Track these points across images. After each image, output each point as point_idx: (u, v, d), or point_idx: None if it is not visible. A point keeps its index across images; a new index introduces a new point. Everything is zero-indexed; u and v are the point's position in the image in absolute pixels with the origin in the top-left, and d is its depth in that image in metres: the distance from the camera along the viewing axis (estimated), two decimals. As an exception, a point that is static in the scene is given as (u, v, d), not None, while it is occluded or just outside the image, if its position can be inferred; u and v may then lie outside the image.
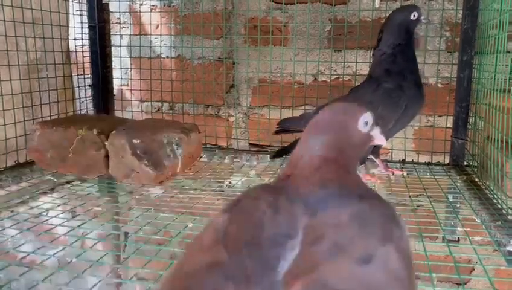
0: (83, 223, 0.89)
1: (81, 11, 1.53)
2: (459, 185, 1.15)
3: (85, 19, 1.55)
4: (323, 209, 0.42)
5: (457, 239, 0.98)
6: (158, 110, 1.69)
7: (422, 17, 1.12)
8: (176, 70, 1.63)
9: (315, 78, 1.52)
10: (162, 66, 1.63)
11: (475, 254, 0.76)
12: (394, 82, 1.09)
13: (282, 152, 1.24)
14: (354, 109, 0.54)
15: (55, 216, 0.94)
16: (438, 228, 0.89)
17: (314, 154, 0.49)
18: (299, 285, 0.35)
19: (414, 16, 1.11)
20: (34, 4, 1.29)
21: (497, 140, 0.97)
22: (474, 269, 1.37)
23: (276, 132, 1.24)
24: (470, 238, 0.82)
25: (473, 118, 1.26)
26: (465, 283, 1.41)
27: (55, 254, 0.75)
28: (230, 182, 1.23)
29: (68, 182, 1.20)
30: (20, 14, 1.25)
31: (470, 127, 1.29)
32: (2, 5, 1.19)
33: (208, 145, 1.58)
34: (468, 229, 0.86)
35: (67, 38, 1.48)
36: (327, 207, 0.42)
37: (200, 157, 1.37)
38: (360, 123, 0.53)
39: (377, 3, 1.43)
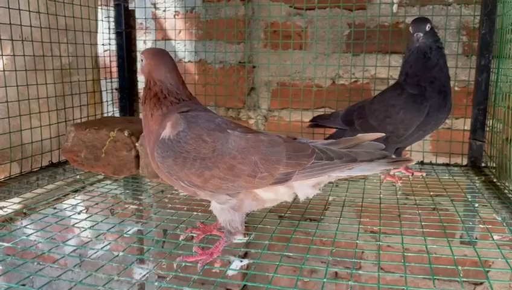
0: (121, 221, 0.95)
1: (108, 17, 1.59)
2: (477, 185, 1.18)
3: (112, 25, 1.60)
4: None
5: (475, 237, 1.02)
6: (180, 112, 1.74)
7: (411, 28, 1.14)
8: (198, 74, 1.68)
9: (333, 82, 1.56)
10: (185, 70, 1.69)
11: (498, 250, 0.79)
12: (416, 89, 1.13)
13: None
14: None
15: (96, 213, 0.99)
16: (459, 225, 0.93)
17: None
18: None
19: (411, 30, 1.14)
20: (67, 11, 1.34)
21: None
22: (491, 266, 1.40)
23: (310, 126, 1.34)
24: (492, 234, 0.86)
25: (491, 120, 1.29)
26: (481, 283, 1.45)
27: (102, 247, 0.80)
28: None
29: (99, 181, 1.25)
30: (54, 21, 1.30)
31: (487, 129, 1.33)
32: (39, 12, 1.24)
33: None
34: (490, 226, 0.90)
35: (96, 44, 1.53)
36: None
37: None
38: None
39: (394, 9, 1.47)
